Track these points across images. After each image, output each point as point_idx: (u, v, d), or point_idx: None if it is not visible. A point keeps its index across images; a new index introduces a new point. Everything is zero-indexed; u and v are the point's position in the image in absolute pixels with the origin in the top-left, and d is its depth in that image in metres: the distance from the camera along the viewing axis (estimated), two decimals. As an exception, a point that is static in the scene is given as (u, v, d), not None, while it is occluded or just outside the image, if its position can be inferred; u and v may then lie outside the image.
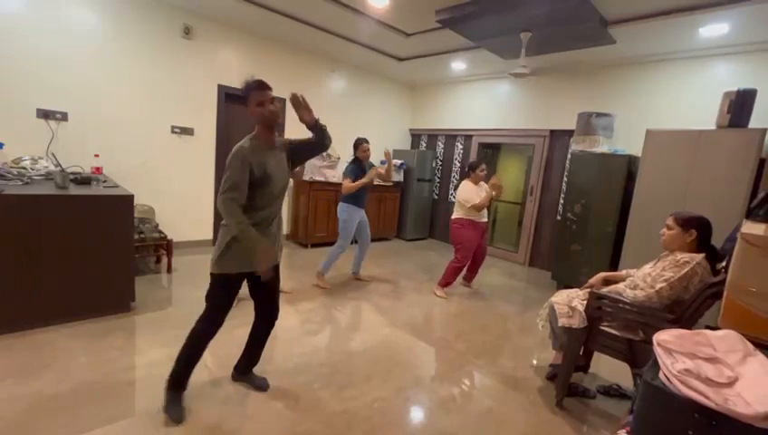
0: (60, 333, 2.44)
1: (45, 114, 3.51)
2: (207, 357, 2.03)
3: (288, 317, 3.08)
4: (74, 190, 2.67)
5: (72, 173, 2.95)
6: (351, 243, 3.85)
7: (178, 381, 1.87)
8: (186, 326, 2.65)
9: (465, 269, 4.03)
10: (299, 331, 2.87)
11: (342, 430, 1.85)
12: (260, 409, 1.95)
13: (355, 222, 3.75)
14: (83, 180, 2.94)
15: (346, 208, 3.71)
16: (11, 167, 3.06)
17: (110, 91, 3.83)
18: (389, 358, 2.59)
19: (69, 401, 1.86)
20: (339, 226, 3.76)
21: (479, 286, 4.32)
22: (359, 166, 3.73)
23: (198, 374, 2.14)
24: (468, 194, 3.80)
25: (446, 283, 3.92)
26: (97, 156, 3.52)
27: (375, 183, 5.85)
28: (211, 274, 1.83)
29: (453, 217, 3.92)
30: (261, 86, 1.80)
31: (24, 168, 3.10)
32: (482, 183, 3.91)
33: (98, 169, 3.53)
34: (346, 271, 4.19)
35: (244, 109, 1.83)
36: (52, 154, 3.40)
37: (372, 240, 5.87)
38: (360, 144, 3.71)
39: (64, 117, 3.61)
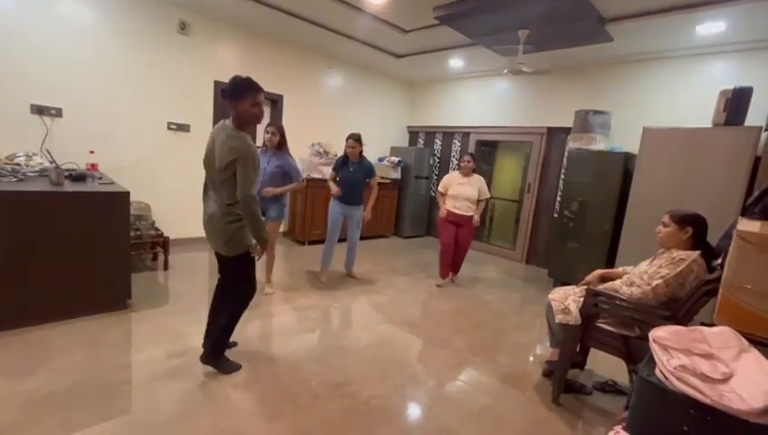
0: (56, 331, 2.42)
1: (39, 110, 3.47)
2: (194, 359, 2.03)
3: (284, 315, 3.08)
4: (69, 187, 2.64)
5: (66, 170, 2.93)
6: (340, 241, 3.91)
7: (224, 348, 2.18)
8: (183, 323, 2.66)
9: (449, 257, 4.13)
10: (296, 328, 2.87)
11: (340, 428, 1.86)
12: (257, 407, 1.95)
13: (337, 217, 3.80)
14: (78, 177, 2.92)
15: (330, 203, 3.83)
16: (5, 163, 3.04)
17: (105, 86, 3.80)
18: (387, 355, 2.60)
19: (65, 399, 1.85)
20: None
21: (476, 283, 4.33)
22: (341, 160, 3.77)
23: (187, 375, 2.14)
24: (444, 180, 4.15)
25: (439, 272, 4.18)
26: (92, 152, 3.50)
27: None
28: (239, 255, 2.03)
29: None
30: (258, 87, 1.94)
31: (19, 164, 3.08)
32: (475, 175, 4.06)
33: (93, 166, 3.51)
34: (342, 268, 4.18)
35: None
36: (47, 150, 3.37)
37: (370, 237, 5.94)
38: (346, 139, 3.70)
39: (59, 113, 3.57)
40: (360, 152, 3.74)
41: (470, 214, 4.01)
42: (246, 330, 2.72)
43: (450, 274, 4.25)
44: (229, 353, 2.27)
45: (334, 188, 3.71)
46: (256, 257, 2.11)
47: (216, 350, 2.15)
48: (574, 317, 2.12)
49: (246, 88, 1.91)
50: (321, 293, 3.58)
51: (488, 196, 4.10)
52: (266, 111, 5.16)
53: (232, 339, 2.30)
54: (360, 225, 3.90)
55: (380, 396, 2.13)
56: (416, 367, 2.51)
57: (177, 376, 2.11)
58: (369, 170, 3.78)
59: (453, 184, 4.06)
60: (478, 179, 4.06)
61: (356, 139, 3.69)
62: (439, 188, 4.18)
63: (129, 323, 2.66)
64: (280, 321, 2.99)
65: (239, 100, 1.91)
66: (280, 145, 3.18)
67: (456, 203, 4.00)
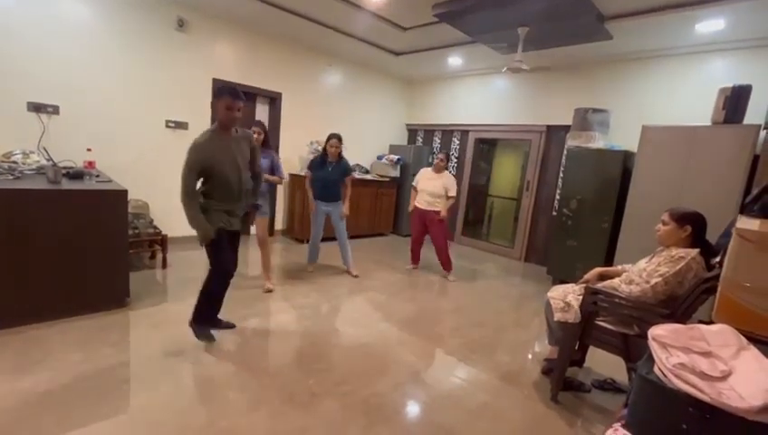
0: (53, 330, 2.41)
1: (36, 108, 3.45)
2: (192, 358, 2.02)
3: (283, 313, 3.08)
4: (67, 185, 2.63)
5: (64, 167, 2.91)
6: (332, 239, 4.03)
7: (198, 316, 2.36)
8: (181, 321, 2.65)
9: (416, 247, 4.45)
10: (294, 326, 2.87)
11: (339, 426, 1.85)
12: (256, 406, 1.95)
13: (317, 213, 3.89)
14: (76, 175, 2.90)
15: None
16: (2, 161, 3.02)
17: (102, 84, 3.77)
18: (385, 353, 2.60)
19: (63, 397, 1.85)
20: None
21: (475, 281, 4.34)
22: (318, 159, 3.84)
23: (185, 374, 2.14)
24: (417, 176, 4.32)
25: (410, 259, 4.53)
26: (90, 150, 3.48)
27: (371, 178, 5.90)
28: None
29: None
30: (234, 94, 2.11)
31: (16, 162, 3.06)
32: (445, 172, 4.20)
33: (91, 164, 3.50)
34: (341, 267, 4.18)
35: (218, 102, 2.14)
36: (44, 148, 3.35)
37: (368, 236, 5.94)
38: (328, 138, 3.77)
39: (56, 110, 3.55)
40: (340, 153, 3.79)
41: (435, 209, 4.11)
42: (245, 327, 2.72)
43: (444, 270, 4.32)
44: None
45: (310, 195, 3.87)
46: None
47: (194, 315, 2.37)
48: (573, 315, 2.12)
49: (224, 90, 2.11)
50: (319, 290, 3.58)
51: (454, 194, 4.15)
52: (264, 109, 5.16)
53: (231, 322, 2.64)
54: (342, 219, 3.93)
55: (379, 394, 2.13)
56: (414, 365, 2.51)
57: (175, 374, 2.10)
58: (345, 170, 3.84)
59: (423, 179, 4.23)
60: (447, 176, 4.16)
61: (339, 138, 3.76)
62: (413, 183, 4.33)
63: (128, 321, 2.66)
64: (278, 318, 2.98)
65: (217, 98, 2.11)
66: (264, 142, 3.26)
67: (421, 197, 4.19)
